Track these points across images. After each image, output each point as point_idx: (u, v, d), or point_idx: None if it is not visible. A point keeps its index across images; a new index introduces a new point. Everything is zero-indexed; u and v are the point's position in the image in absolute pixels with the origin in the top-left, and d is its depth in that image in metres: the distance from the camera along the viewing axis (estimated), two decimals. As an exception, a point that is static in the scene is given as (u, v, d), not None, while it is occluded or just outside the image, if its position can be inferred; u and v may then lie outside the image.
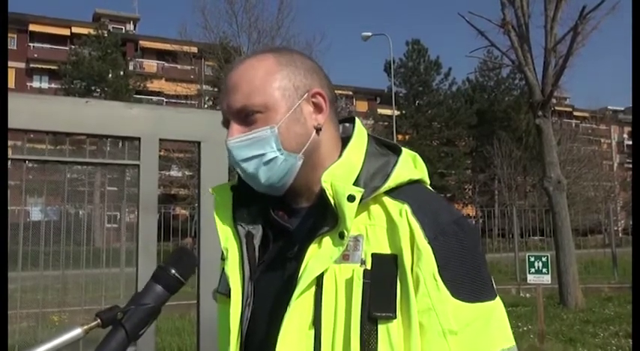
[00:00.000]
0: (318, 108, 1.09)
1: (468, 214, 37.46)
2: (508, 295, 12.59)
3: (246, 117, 1.05)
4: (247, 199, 1.12)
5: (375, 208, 1.02)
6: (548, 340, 7.52)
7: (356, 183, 1.02)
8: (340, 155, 1.07)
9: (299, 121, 1.06)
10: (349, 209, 0.97)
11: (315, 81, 1.10)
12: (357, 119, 1.16)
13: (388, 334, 0.94)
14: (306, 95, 1.07)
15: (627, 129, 55.37)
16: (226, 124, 1.09)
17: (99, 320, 0.97)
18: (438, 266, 0.95)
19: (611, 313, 9.80)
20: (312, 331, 0.96)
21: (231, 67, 1.12)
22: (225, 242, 1.11)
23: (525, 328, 8.33)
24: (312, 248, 0.99)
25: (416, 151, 1.12)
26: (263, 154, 1.04)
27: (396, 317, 0.94)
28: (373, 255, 0.97)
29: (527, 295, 12.29)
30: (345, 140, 1.11)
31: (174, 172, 30.93)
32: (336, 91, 1.18)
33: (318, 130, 1.08)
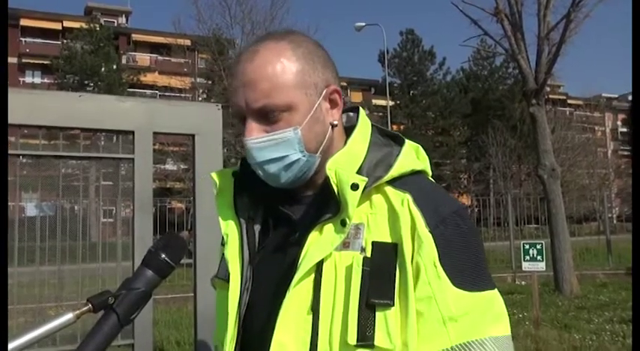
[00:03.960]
0: (333, 104, 1.07)
1: (464, 203, 37.57)
2: (504, 283, 12.67)
3: (266, 116, 1.01)
4: (249, 184, 1.12)
5: (377, 198, 1.02)
6: (543, 327, 7.57)
7: (359, 172, 1.02)
8: (345, 144, 1.07)
9: (319, 120, 1.05)
10: (352, 197, 0.97)
11: (330, 74, 1.07)
12: (361, 109, 1.15)
13: (385, 321, 0.94)
14: (324, 92, 1.05)
15: (621, 116, 55.60)
16: (241, 120, 1.04)
17: (90, 305, 0.97)
18: (438, 255, 0.96)
19: (606, 300, 9.87)
20: (311, 317, 0.96)
21: (245, 56, 1.03)
22: (225, 227, 1.10)
23: (521, 315, 8.38)
24: (314, 235, 1.00)
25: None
26: (286, 156, 1.02)
27: (393, 305, 0.95)
28: (373, 243, 0.98)
29: (523, 282, 12.37)
30: (348, 129, 1.11)
31: (170, 166, 30.83)
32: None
33: (333, 126, 1.07)
